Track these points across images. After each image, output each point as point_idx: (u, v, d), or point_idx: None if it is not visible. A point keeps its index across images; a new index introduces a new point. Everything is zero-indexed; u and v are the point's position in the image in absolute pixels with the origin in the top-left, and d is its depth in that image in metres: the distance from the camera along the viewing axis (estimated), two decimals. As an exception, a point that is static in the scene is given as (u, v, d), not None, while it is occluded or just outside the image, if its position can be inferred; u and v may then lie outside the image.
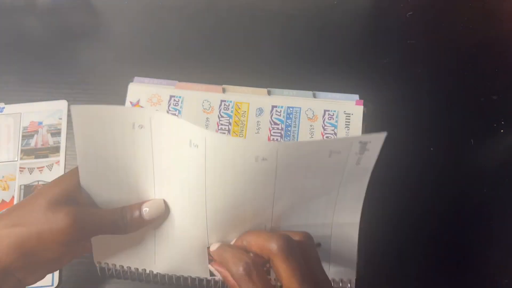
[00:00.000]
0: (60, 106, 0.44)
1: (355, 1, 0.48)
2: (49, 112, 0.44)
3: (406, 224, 0.39)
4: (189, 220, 0.33)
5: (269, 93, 0.42)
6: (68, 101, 0.44)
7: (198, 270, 0.35)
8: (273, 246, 0.28)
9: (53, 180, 0.32)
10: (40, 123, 0.44)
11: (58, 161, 0.43)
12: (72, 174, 0.32)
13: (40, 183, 0.42)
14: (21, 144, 0.43)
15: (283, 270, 0.28)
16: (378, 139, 0.29)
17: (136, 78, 0.43)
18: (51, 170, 0.43)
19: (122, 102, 0.43)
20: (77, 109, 0.30)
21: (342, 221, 0.34)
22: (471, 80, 0.44)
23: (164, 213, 0.33)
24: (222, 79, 0.42)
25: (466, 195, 0.40)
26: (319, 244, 0.35)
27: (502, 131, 0.42)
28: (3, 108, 0.44)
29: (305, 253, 0.29)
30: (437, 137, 0.42)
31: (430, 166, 0.41)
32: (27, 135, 0.44)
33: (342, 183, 0.32)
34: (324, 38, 0.46)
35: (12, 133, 0.44)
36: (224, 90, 0.42)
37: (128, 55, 0.46)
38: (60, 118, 0.44)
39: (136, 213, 0.32)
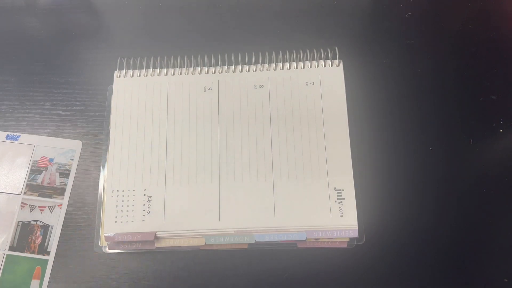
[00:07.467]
0: (74, 146, 0.42)
1: (355, 1, 0.48)
2: (62, 150, 0.42)
3: (405, 224, 0.39)
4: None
5: None
6: (68, 102, 0.45)
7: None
8: None
9: None
10: (51, 159, 0.42)
11: (61, 204, 0.41)
12: None
13: (38, 223, 0.40)
14: (28, 178, 0.42)
15: None
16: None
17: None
18: (52, 212, 0.40)
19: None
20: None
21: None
22: (470, 80, 0.44)
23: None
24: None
25: (465, 195, 0.40)
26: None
27: (501, 131, 0.42)
28: (19, 136, 0.43)
29: None
30: (436, 136, 0.42)
31: (429, 165, 0.41)
32: (35, 170, 0.42)
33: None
34: (324, 38, 0.46)
35: (22, 164, 0.42)
36: None
37: (128, 55, 0.46)
38: (72, 159, 0.42)
39: None
